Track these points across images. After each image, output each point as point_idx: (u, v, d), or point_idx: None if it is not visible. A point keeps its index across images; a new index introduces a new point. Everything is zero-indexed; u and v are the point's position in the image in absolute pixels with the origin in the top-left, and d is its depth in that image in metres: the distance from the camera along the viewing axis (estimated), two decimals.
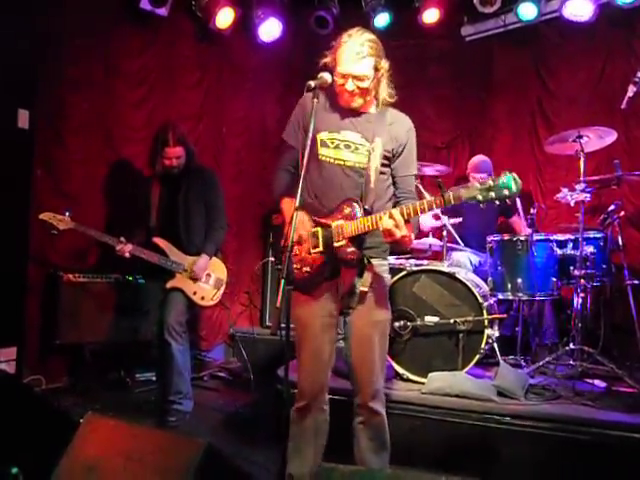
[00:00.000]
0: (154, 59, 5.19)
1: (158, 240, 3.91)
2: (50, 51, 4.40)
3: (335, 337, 2.64)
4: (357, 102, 2.52)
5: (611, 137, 4.12)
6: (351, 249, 2.41)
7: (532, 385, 3.61)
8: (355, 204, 2.43)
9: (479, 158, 4.92)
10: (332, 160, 2.53)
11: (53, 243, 4.42)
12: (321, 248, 2.46)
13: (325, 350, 2.58)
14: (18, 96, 4.17)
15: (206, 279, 3.97)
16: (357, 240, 2.43)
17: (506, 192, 2.07)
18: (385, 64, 2.51)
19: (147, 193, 4.04)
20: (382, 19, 5.55)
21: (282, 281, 2.07)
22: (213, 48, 5.65)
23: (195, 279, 3.91)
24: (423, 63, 5.98)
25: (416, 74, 5.94)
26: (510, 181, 2.06)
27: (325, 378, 2.61)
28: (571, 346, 3.81)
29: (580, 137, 4.00)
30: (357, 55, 2.42)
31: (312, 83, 2.40)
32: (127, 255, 3.81)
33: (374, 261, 2.53)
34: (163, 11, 4.99)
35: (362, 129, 2.54)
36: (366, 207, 2.43)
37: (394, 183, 2.60)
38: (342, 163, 2.52)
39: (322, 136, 2.54)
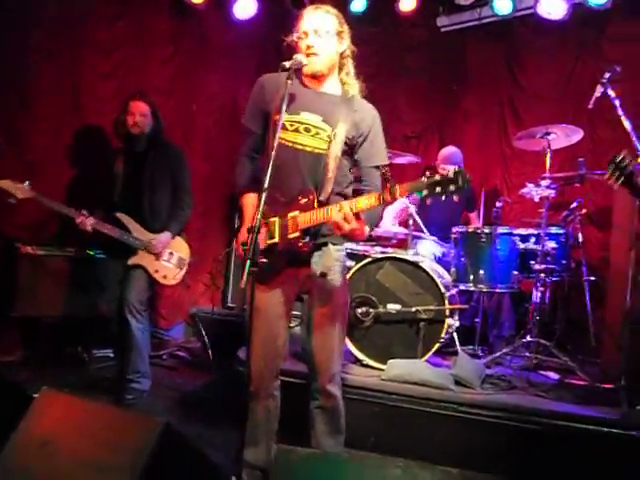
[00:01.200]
0: (125, 30, 5.08)
1: (121, 215, 3.83)
2: (16, 18, 4.25)
3: (288, 325, 2.62)
4: (315, 64, 2.43)
5: (577, 135, 4.20)
6: (304, 241, 2.38)
7: (488, 375, 3.68)
8: (311, 195, 2.38)
9: (449, 149, 4.96)
10: (291, 144, 2.45)
11: (12, 213, 4.30)
12: (276, 239, 2.43)
13: (278, 337, 2.55)
14: None
15: (169, 258, 3.92)
16: (311, 231, 2.40)
17: (452, 187, 2.05)
18: (348, 38, 2.49)
19: (111, 166, 3.95)
20: (359, 4, 5.52)
21: (247, 262, 2.05)
22: (187, 23, 5.55)
23: (155, 254, 3.84)
24: (398, 51, 5.99)
25: (390, 62, 5.96)
26: (458, 177, 2.05)
27: (276, 365, 2.58)
28: (527, 338, 3.89)
29: (548, 134, 4.06)
30: (319, 10, 2.44)
31: (286, 64, 2.36)
32: (88, 229, 3.72)
33: (332, 247, 2.51)
34: None
35: (324, 111, 2.47)
36: (321, 198, 2.38)
37: (357, 175, 2.57)
38: (301, 148, 2.46)
39: (277, 117, 2.41)
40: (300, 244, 2.38)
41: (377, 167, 2.58)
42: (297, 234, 2.38)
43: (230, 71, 5.89)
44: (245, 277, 2.03)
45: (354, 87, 2.54)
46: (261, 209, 2.15)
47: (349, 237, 2.34)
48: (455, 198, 2.11)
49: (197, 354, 5.14)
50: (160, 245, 3.83)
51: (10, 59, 4.25)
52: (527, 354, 3.87)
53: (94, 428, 1.77)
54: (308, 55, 2.42)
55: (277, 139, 2.29)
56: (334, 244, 2.52)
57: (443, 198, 2.07)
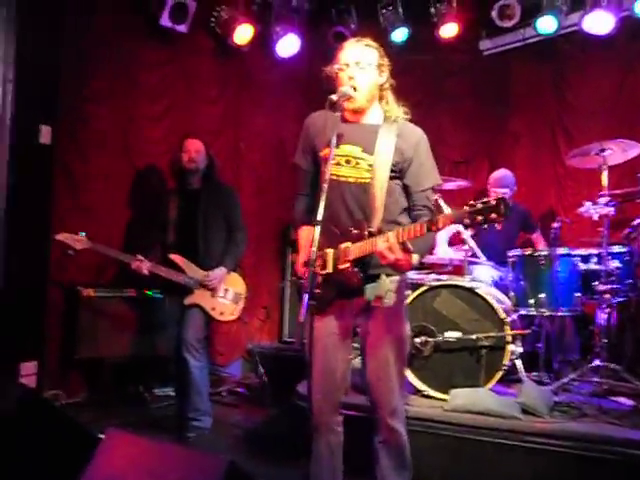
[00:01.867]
0: (173, 74, 5.25)
1: (175, 257, 3.90)
2: (72, 66, 4.45)
3: (349, 356, 2.59)
4: (358, 99, 2.43)
5: (635, 150, 4.06)
6: (354, 271, 2.36)
7: (557, 402, 3.53)
8: (361, 226, 2.37)
9: (501, 172, 4.87)
10: (335, 177, 2.44)
11: (72, 259, 4.42)
12: (329, 270, 2.43)
13: (337, 369, 2.52)
14: (40, 112, 4.21)
15: (224, 294, 3.96)
16: (361, 262, 2.38)
17: (493, 215, 2.00)
18: (387, 71, 2.49)
19: (165, 208, 4.05)
20: (400, 34, 5.56)
21: (305, 295, 2.05)
22: (232, 63, 5.70)
23: (211, 290, 3.88)
24: (441, 78, 5.98)
25: (434, 89, 5.96)
26: (500, 205, 1.99)
27: (336, 398, 2.54)
28: (596, 363, 3.73)
29: (603, 150, 3.95)
30: (359, 44, 2.46)
31: (334, 97, 2.38)
32: (145, 272, 3.80)
33: (384, 277, 2.44)
34: (183, 28, 5.05)
35: (362, 141, 2.46)
36: (371, 229, 2.36)
37: (409, 200, 2.53)
38: (344, 180, 2.46)
39: (324, 153, 2.48)
40: (350, 275, 2.37)
41: (427, 190, 2.53)
42: (347, 265, 2.37)
43: (275, 108, 6.00)
44: (304, 310, 2.02)
45: (396, 111, 2.53)
46: (315, 242, 2.15)
47: (394, 267, 2.29)
48: (498, 226, 2.06)
49: (256, 390, 5.14)
50: (215, 280, 3.87)
51: (67, 107, 4.43)
52: (596, 379, 3.70)
53: (161, 468, 1.77)
54: (353, 88, 2.43)
55: (328, 173, 2.31)
56: (387, 275, 2.46)
57: (485, 226, 2.03)
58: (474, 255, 4.37)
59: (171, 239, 3.99)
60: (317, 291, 2.36)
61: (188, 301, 3.86)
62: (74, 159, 4.58)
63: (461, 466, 3.19)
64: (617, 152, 4.04)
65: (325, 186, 2.27)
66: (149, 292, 4.66)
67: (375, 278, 2.45)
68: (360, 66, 2.43)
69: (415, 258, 2.32)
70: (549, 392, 3.63)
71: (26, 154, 4.09)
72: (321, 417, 2.50)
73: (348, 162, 2.47)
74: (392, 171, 2.45)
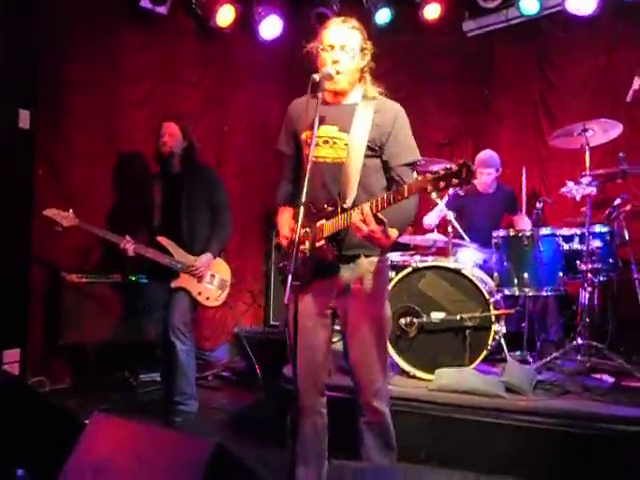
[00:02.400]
0: (155, 57, 5.18)
1: (162, 239, 3.88)
2: (50, 50, 4.38)
3: (330, 337, 2.59)
4: (341, 82, 2.43)
5: (616, 130, 4.09)
6: (329, 248, 2.37)
7: (540, 381, 3.58)
8: (336, 203, 2.38)
9: (486, 153, 4.87)
10: (314, 159, 2.41)
11: (55, 243, 4.41)
12: (308, 248, 2.43)
13: (318, 350, 2.52)
14: (19, 96, 4.14)
15: (210, 280, 3.94)
16: (337, 242, 2.38)
17: (455, 181, 2.00)
18: (370, 50, 2.47)
19: (149, 192, 4.02)
20: (383, 15, 5.53)
21: (289, 277, 2.04)
22: (214, 46, 5.64)
23: (198, 276, 3.87)
24: (425, 59, 5.97)
25: (418, 70, 5.94)
26: (461, 169, 1.99)
27: (319, 379, 2.54)
28: (578, 341, 3.77)
29: (585, 130, 3.96)
30: (344, 25, 2.43)
31: (316, 76, 2.36)
32: (131, 253, 3.78)
33: (363, 258, 2.46)
34: (163, 9, 4.99)
35: (339, 120, 2.46)
36: (344, 205, 2.36)
37: (390, 177, 2.52)
38: (322, 160, 2.46)
39: (305, 136, 2.49)
40: (325, 252, 2.38)
41: (407, 165, 2.50)
42: (322, 242, 2.38)
43: (258, 90, 5.96)
44: (288, 292, 2.01)
45: (373, 91, 2.52)
46: (299, 224, 2.14)
47: (371, 241, 2.27)
48: (459, 193, 2.06)
49: (242, 374, 5.15)
50: (202, 267, 3.86)
51: (47, 94, 4.36)
52: (579, 357, 3.75)
53: (147, 451, 1.76)
54: (337, 72, 2.41)
55: (311, 155, 2.31)
56: (366, 255, 2.47)
57: (450, 191, 2.06)
58: (459, 237, 4.39)
59: (156, 223, 3.96)
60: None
61: (174, 284, 3.85)
62: (56, 145, 4.52)
63: (446, 445, 3.21)
64: (599, 132, 4.06)
65: (308, 168, 2.26)
66: (134, 277, 4.63)
67: (354, 259, 2.45)
68: (345, 50, 2.42)
69: (394, 232, 2.30)
70: (532, 371, 3.68)
71: (5, 139, 4.03)
72: (305, 398, 2.50)
73: (326, 142, 2.47)
74: (370, 149, 2.45)
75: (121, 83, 4.94)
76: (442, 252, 4.36)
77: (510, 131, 5.69)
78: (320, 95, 2.38)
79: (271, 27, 5.58)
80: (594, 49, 5.18)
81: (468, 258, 4.28)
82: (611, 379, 3.64)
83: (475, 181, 4.68)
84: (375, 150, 2.47)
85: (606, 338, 3.85)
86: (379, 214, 2.21)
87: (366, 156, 2.44)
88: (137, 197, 4.32)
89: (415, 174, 2.49)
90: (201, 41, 5.54)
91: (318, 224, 2.41)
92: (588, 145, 3.97)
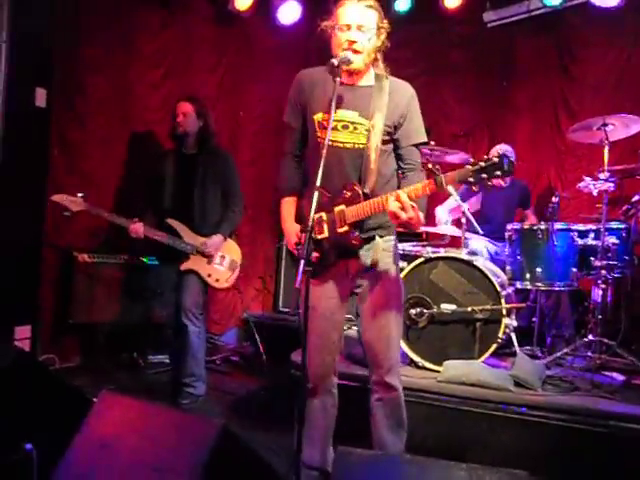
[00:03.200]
0: (172, 40, 5.16)
1: (172, 221, 3.88)
2: (68, 30, 4.37)
3: (343, 320, 2.61)
4: (357, 62, 2.39)
5: (638, 126, 4.00)
6: (354, 234, 2.38)
7: (549, 376, 3.55)
8: (356, 188, 2.37)
9: (501, 147, 4.82)
10: (331, 143, 2.40)
11: (68, 223, 4.42)
12: (326, 234, 2.43)
13: (333, 331, 2.55)
14: (35, 75, 4.14)
15: (220, 261, 3.94)
16: (359, 224, 2.40)
17: (498, 172, 2.01)
18: (386, 24, 2.42)
19: (162, 173, 4.01)
20: (403, 3, 5.47)
21: (301, 262, 2.03)
22: (231, 30, 5.61)
23: (207, 256, 3.86)
24: (444, 49, 5.90)
25: (437, 60, 5.88)
26: (502, 160, 2.00)
27: (332, 360, 2.58)
28: (589, 338, 3.74)
29: (605, 125, 3.90)
30: (362, 5, 2.37)
31: (335, 61, 2.34)
32: (140, 236, 3.78)
33: (379, 239, 2.49)
34: None
35: (359, 105, 2.44)
36: (365, 191, 2.37)
37: (398, 156, 2.52)
38: (341, 145, 2.44)
39: (319, 117, 2.46)
40: (350, 237, 2.38)
41: (416, 145, 2.52)
42: (346, 228, 2.38)
43: (275, 76, 5.90)
44: (300, 277, 2.00)
45: (383, 70, 2.51)
46: (313, 209, 2.13)
47: (406, 226, 2.27)
48: (498, 182, 2.06)
49: (250, 358, 5.16)
50: (212, 247, 3.86)
51: (63, 74, 4.35)
52: (589, 354, 3.72)
53: (153, 430, 1.77)
54: (354, 52, 2.38)
55: (327, 138, 2.28)
56: (381, 236, 2.50)
57: (490, 183, 2.04)
58: (472, 229, 4.35)
59: (168, 204, 3.95)
60: (315, 255, 2.37)
61: (184, 267, 3.85)
62: (70, 125, 4.51)
63: (453, 437, 3.21)
64: (619, 127, 3.99)
65: (324, 152, 2.24)
66: (145, 259, 4.64)
67: (369, 241, 2.47)
68: (362, 30, 2.38)
69: (422, 217, 2.31)
70: (542, 366, 3.65)
71: (21, 117, 4.03)
72: (318, 380, 2.54)
73: (345, 127, 2.44)
74: (387, 132, 2.45)
75: (137, 65, 4.92)
76: (454, 243, 4.33)
77: (527, 124, 5.62)
78: (338, 80, 2.35)
79: (290, 12, 5.56)
80: (617, 43, 5.08)
81: (480, 250, 4.25)
82: (621, 377, 3.61)
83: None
84: (390, 133, 2.47)
85: (618, 336, 3.80)
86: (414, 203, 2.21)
87: (382, 141, 2.43)
88: (150, 178, 4.31)
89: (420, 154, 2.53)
90: (219, 25, 5.51)
91: (337, 209, 2.40)
92: (607, 140, 3.90)
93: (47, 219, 4.26)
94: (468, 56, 5.85)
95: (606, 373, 3.68)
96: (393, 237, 2.56)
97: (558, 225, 3.96)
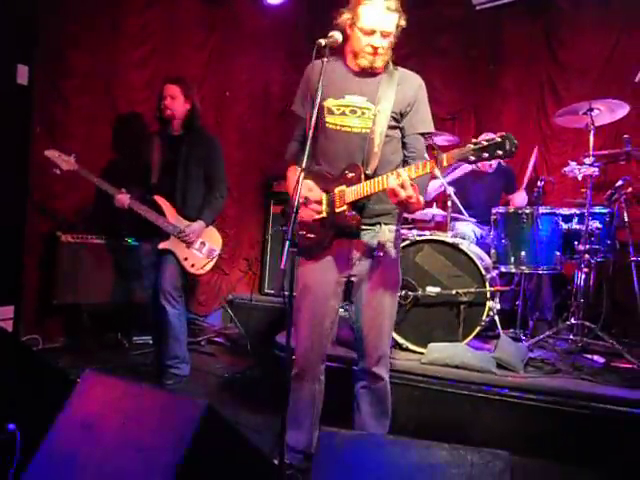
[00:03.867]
0: (158, 18, 5.08)
1: (159, 199, 3.83)
2: (51, 6, 4.28)
3: (338, 306, 2.60)
4: (378, 62, 2.43)
5: (623, 110, 4.03)
6: (351, 214, 2.38)
7: (531, 358, 3.61)
8: (358, 169, 2.38)
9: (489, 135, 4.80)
10: (338, 127, 2.46)
11: (52, 203, 4.39)
12: (324, 214, 2.45)
13: (326, 317, 2.54)
14: (17, 51, 4.07)
15: (200, 247, 3.88)
16: (359, 205, 2.40)
17: (499, 152, 2.01)
18: (404, 22, 2.42)
19: (148, 151, 3.96)
20: None
21: (286, 243, 2.03)
22: (218, 9, 5.53)
23: (187, 243, 3.83)
24: (432, 32, 5.85)
25: (424, 43, 5.84)
26: (505, 141, 2.00)
27: (323, 347, 2.57)
28: (572, 321, 3.79)
29: (591, 110, 3.92)
30: (388, 10, 2.34)
31: (322, 41, 2.32)
32: (125, 207, 3.74)
33: (384, 226, 2.49)
34: None
35: (367, 91, 2.46)
36: (367, 172, 2.38)
37: (403, 144, 2.53)
38: (349, 130, 2.46)
39: (328, 103, 2.48)
40: (347, 217, 2.38)
41: (422, 134, 2.53)
42: (344, 207, 2.39)
43: (262, 56, 5.86)
44: (285, 257, 2.00)
45: (390, 58, 2.50)
46: (299, 190, 2.12)
47: (405, 207, 2.28)
48: (492, 164, 2.06)
49: (235, 340, 5.17)
50: (193, 235, 3.82)
51: (44, 51, 4.28)
52: (571, 337, 3.77)
53: (137, 410, 1.77)
54: (375, 54, 2.39)
55: (331, 123, 2.36)
56: (386, 224, 2.49)
57: (492, 163, 2.06)
58: (458, 211, 4.36)
59: (151, 185, 3.91)
60: (309, 236, 2.36)
61: (162, 245, 3.79)
62: (53, 103, 4.44)
63: (436, 418, 3.25)
64: (605, 112, 4.01)
65: (323, 137, 2.31)
66: (129, 239, 4.61)
67: (373, 227, 2.47)
68: (385, 36, 2.38)
69: (421, 199, 2.32)
70: (524, 348, 3.70)
71: (2, 95, 3.96)
72: (307, 365, 2.53)
73: (353, 112, 2.46)
74: (393, 119, 2.45)
75: (122, 43, 4.84)
76: (440, 227, 4.35)
77: (514, 108, 5.62)
78: (325, 60, 2.33)
79: None
80: (604, 28, 5.08)
81: (466, 233, 4.27)
82: (602, 359, 3.67)
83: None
84: (397, 120, 2.48)
85: (599, 319, 3.85)
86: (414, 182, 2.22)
87: (389, 127, 2.44)
88: (135, 157, 4.27)
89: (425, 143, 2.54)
90: (205, 3, 5.43)
91: (337, 189, 2.41)
92: (593, 125, 3.92)
93: (31, 199, 4.21)
94: (456, 39, 5.83)
95: (587, 356, 3.74)
96: (397, 226, 2.55)
97: (543, 209, 3.98)
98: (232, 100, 5.78)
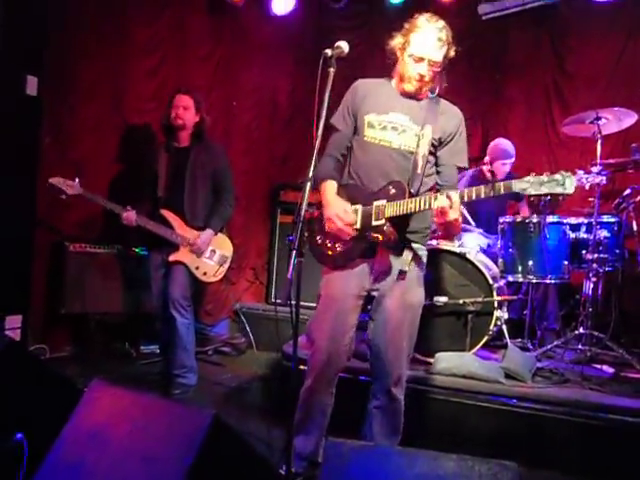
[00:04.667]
0: (166, 29, 5.11)
1: (165, 212, 3.86)
2: (59, 17, 4.32)
3: (355, 324, 2.57)
4: (424, 88, 2.48)
5: (630, 119, 4.02)
6: (389, 229, 2.38)
7: (539, 368, 3.58)
8: (402, 185, 2.39)
9: (505, 143, 4.71)
10: (377, 141, 2.49)
11: (60, 213, 4.40)
12: (358, 225, 2.44)
13: (345, 334, 2.52)
14: (27, 62, 4.10)
15: (210, 255, 3.91)
16: (397, 221, 2.39)
17: (559, 189, 2.03)
18: (453, 53, 2.48)
19: (155, 164, 3.99)
20: None
21: (293, 253, 2.03)
22: (225, 20, 5.56)
23: (198, 253, 3.85)
24: None
25: None
26: (565, 180, 2.02)
27: (339, 363, 2.54)
28: (580, 330, 3.76)
29: (598, 119, 3.91)
30: (439, 41, 2.41)
31: (329, 52, 2.32)
32: (133, 224, 3.77)
33: (415, 246, 2.50)
34: None
35: (412, 113, 2.49)
36: (412, 190, 2.40)
37: (437, 172, 2.55)
38: (388, 145, 2.48)
39: (369, 118, 2.51)
40: (385, 231, 2.38)
41: (457, 167, 2.57)
42: (382, 221, 2.39)
43: (269, 66, 5.89)
44: (291, 268, 2.00)
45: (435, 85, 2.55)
46: (305, 201, 2.13)
47: (446, 228, 2.30)
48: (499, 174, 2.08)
49: (242, 350, 5.16)
50: (203, 244, 3.84)
51: (54, 61, 4.31)
52: (580, 347, 3.75)
53: (144, 420, 1.77)
54: (422, 81, 2.44)
55: (371, 137, 2.47)
56: (416, 242, 2.50)
57: (499, 172, 2.07)
58: (465, 221, 4.35)
59: (160, 196, 3.93)
60: (338, 246, 2.42)
61: (173, 258, 3.83)
62: (62, 113, 4.47)
63: (443, 428, 3.23)
64: (612, 121, 4.00)
65: (359, 150, 2.42)
66: (137, 249, 4.63)
67: (404, 245, 2.47)
68: (432, 64, 2.43)
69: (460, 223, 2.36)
70: (532, 358, 3.67)
71: (12, 105, 3.99)
72: (322, 379, 2.51)
73: (394, 129, 2.48)
74: (432, 145, 2.48)
75: (130, 53, 4.88)
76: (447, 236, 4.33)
77: (521, 117, 5.62)
78: (332, 70, 2.34)
79: (283, 2, 5.52)
80: (611, 36, 5.09)
81: (473, 243, 4.26)
82: (611, 369, 3.64)
83: (486, 167, 4.64)
84: (435, 147, 2.50)
85: (608, 328, 3.83)
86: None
87: (429, 152, 2.47)
88: (142, 168, 4.29)
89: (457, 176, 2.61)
90: (213, 14, 5.46)
91: (377, 203, 2.41)
92: (600, 133, 3.91)
93: (38, 208, 4.23)
94: (462, 48, 5.78)
95: (596, 366, 3.72)
96: (425, 248, 2.57)
97: (550, 218, 3.97)
98: (239, 109, 5.80)
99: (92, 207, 4.40)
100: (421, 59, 2.41)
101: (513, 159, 4.65)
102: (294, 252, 2.02)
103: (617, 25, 5.04)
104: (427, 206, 2.28)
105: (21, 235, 4.11)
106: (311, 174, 2.16)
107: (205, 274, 3.90)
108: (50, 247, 4.40)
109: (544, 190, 2.04)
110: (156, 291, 3.96)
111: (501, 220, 4.13)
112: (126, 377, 4.11)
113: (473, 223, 4.36)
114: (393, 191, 2.40)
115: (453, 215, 2.19)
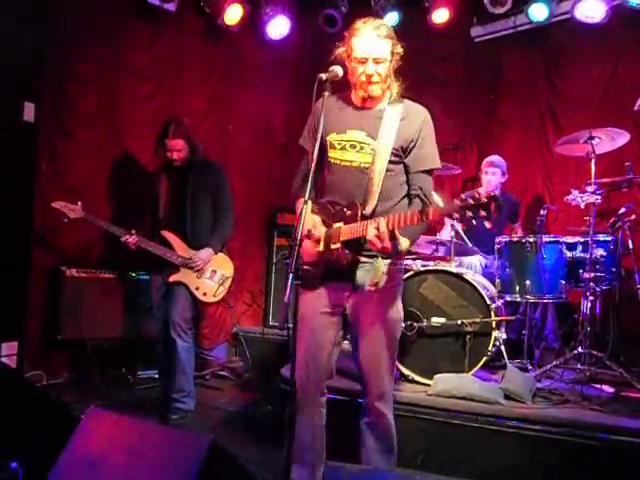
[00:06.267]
0: (161, 54, 5.17)
1: (166, 233, 3.88)
2: (57, 44, 4.36)
3: (337, 338, 2.55)
4: (375, 90, 2.43)
5: (623, 139, 4.06)
6: (344, 252, 2.38)
7: (539, 389, 3.56)
8: (357, 208, 2.38)
9: (493, 156, 4.89)
10: (339, 162, 2.50)
11: (56, 238, 4.40)
12: (321, 248, 2.45)
13: (323, 349, 2.50)
14: (24, 89, 4.13)
15: (211, 275, 3.93)
16: (352, 244, 2.38)
17: (482, 212, 2.03)
18: (399, 49, 2.45)
19: (155, 185, 4.02)
20: (391, 18, 5.50)
21: (290, 275, 2.03)
22: (221, 45, 5.63)
23: (197, 271, 3.85)
24: (432, 64, 5.94)
25: (424, 75, 5.90)
26: (491, 203, 2.01)
27: (321, 379, 2.52)
28: (579, 350, 3.75)
29: (592, 138, 3.94)
30: (377, 37, 2.36)
31: (323, 76, 2.36)
32: (133, 247, 3.78)
33: (381, 260, 2.45)
34: (171, 6, 4.98)
35: (368, 126, 2.46)
36: (365, 212, 2.38)
37: (407, 181, 2.52)
38: (348, 164, 2.48)
39: (331, 138, 2.51)
40: (340, 255, 2.38)
41: (427, 171, 2.50)
42: (338, 245, 2.39)
43: (264, 91, 5.94)
44: (288, 290, 2.00)
45: (396, 88, 2.52)
46: (302, 223, 2.14)
47: (382, 253, 2.30)
48: (487, 224, 2.11)
49: (240, 373, 5.13)
50: (201, 262, 3.84)
51: (52, 87, 4.35)
52: (579, 366, 3.73)
53: (141, 446, 1.75)
54: (372, 84, 2.41)
55: (333, 157, 2.44)
56: (384, 257, 2.45)
57: (474, 223, 2.05)
58: (464, 246, 4.36)
59: (161, 218, 3.96)
60: (307, 268, 2.36)
61: (173, 278, 3.83)
62: (59, 139, 4.50)
63: (443, 450, 3.20)
64: (605, 140, 4.03)
65: (327, 171, 2.37)
66: (134, 273, 4.62)
67: (371, 259, 2.44)
68: (378, 62, 2.40)
69: (405, 243, 2.33)
70: (532, 379, 3.66)
71: (9, 132, 4.01)
72: (304, 397, 2.48)
73: (353, 147, 2.47)
74: (394, 155, 2.44)
75: (127, 79, 4.93)
76: (444, 257, 4.34)
77: (515, 138, 5.66)
78: (326, 94, 2.37)
79: (279, 27, 5.57)
80: (602, 57, 5.15)
81: (470, 263, 4.26)
82: (611, 389, 3.62)
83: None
84: (399, 156, 2.47)
85: (607, 348, 3.82)
86: (396, 230, 2.24)
87: (390, 162, 2.44)
88: (140, 193, 4.31)
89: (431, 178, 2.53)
90: (208, 39, 5.53)
91: (335, 226, 2.42)
92: (594, 153, 3.94)
93: (35, 234, 4.23)
94: (456, 70, 5.90)
95: (596, 385, 3.69)
96: (398, 261, 2.52)
97: (546, 238, 3.98)
98: (235, 133, 5.84)
99: (89, 231, 4.42)
100: (365, 59, 2.38)
101: (497, 170, 4.72)
102: (291, 275, 2.02)
103: (608, 46, 5.11)
104: (363, 234, 2.28)
105: (17, 261, 4.10)
106: (307, 196, 2.18)
107: (205, 294, 3.90)
108: (46, 272, 4.39)
109: (469, 214, 2.03)
110: (157, 313, 3.96)
111: (498, 240, 4.14)
112: (123, 403, 4.08)
113: (469, 243, 4.36)
114: (349, 212, 2.40)
115: (380, 245, 2.21)
